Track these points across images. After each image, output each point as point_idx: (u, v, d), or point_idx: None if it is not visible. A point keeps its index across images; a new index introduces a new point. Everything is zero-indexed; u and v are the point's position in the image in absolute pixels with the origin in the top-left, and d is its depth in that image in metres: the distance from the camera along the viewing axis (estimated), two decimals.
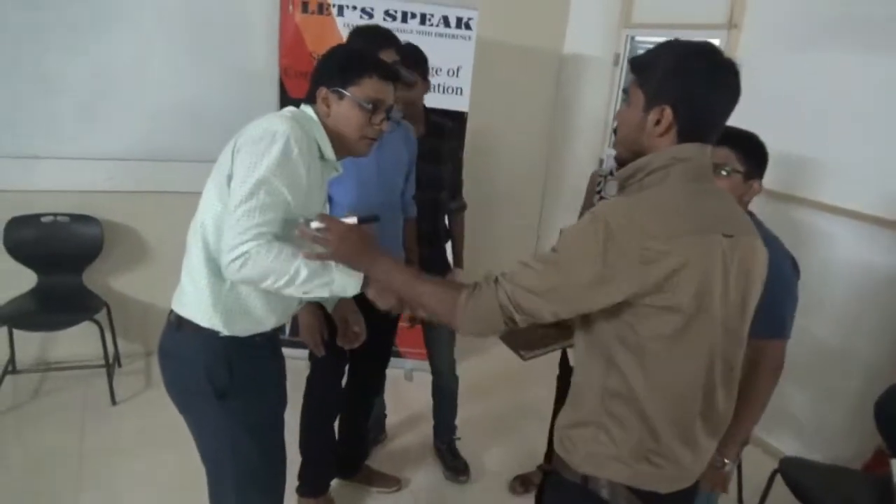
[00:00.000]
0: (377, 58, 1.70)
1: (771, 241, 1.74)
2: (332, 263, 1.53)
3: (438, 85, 3.39)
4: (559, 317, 1.20)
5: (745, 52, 3.20)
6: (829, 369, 2.99)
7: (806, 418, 3.11)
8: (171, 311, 1.68)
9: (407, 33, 3.30)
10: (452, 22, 3.36)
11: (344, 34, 3.17)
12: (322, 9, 3.29)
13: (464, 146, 3.02)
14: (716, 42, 3.24)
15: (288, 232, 1.55)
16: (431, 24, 3.35)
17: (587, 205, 2.62)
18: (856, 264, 2.87)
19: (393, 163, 2.33)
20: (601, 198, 2.52)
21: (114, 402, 3.20)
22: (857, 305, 2.88)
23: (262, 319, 1.68)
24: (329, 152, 1.66)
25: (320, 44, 3.24)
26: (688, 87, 1.18)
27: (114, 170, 3.33)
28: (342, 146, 1.69)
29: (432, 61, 2.93)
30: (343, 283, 1.53)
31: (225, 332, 1.62)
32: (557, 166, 4.50)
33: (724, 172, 1.71)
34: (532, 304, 1.19)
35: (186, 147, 3.38)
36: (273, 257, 1.47)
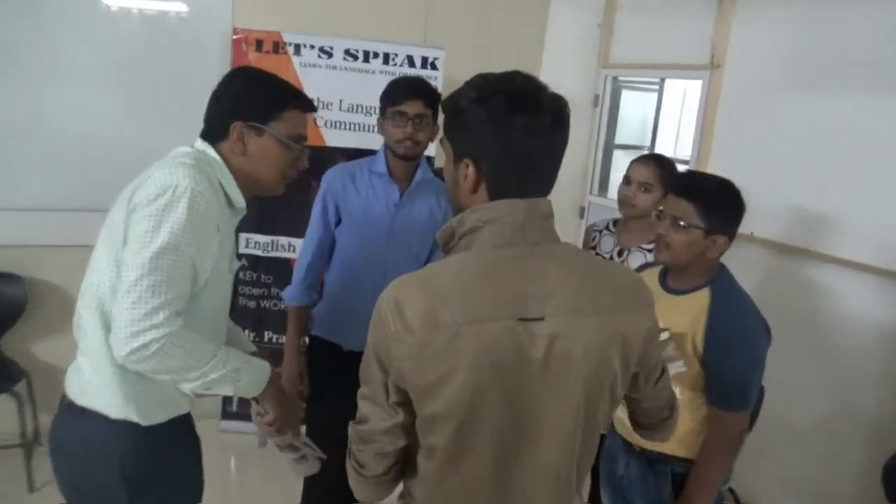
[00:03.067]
0: (293, 86, 1.68)
1: (738, 301, 1.76)
2: (242, 361, 1.52)
3: None
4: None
5: (730, 94, 3.31)
6: (833, 431, 2.99)
7: (809, 484, 3.09)
8: (66, 396, 1.58)
9: (369, 73, 3.37)
10: (417, 62, 3.41)
11: (301, 74, 3.32)
12: (277, 48, 3.33)
13: None
14: (697, 83, 3.40)
15: (193, 307, 1.50)
16: (395, 64, 3.40)
17: None
18: (856, 318, 2.88)
19: (415, 223, 2.28)
20: (596, 254, 2.51)
21: (31, 488, 3.07)
22: (861, 361, 2.88)
23: (183, 403, 1.64)
24: (238, 199, 1.61)
25: None
26: (484, 135, 1.13)
27: (40, 221, 3.26)
28: (253, 186, 1.65)
29: None
30: (248, 384, 1.55)
31: (142, 422, 1.55)
32: None
33: (681, 224, 1.74)
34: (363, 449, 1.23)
35: (95, 194, 2.96)
36: (185, 350, 1.41)
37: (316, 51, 3.35)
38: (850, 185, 2.87)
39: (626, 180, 2.39)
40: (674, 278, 1.86)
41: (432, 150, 3.22)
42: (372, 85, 3.26)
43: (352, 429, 1.26)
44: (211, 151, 1.59)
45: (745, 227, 2.88)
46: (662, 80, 4.50)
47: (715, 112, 3.42)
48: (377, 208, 2.23)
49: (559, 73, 4.21)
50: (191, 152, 1.56)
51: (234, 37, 3.32)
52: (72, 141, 3.28)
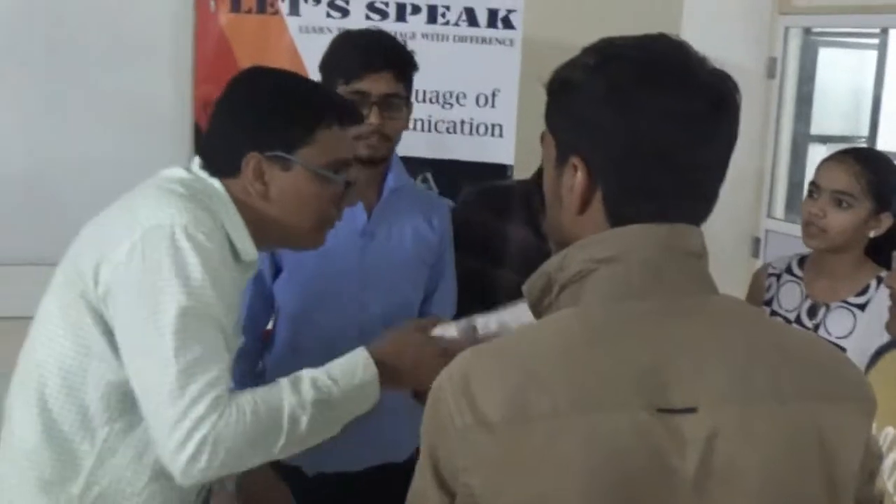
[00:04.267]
0: (325, 90, 1.70)
1: None
2: (331, 383, 1.55)
3: (463, 122, 3.18)
4: None
5: None
6: None
7: None
8: None
9: (407, 38, 3.05)
10: (482, 18, 3.17)
11: (300, 43, 3.11)
12: (263, 4, 3.07)
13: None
14: None
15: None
16: (447, 23, 3.17)
17: None
18: None
19: (396, 255, 2.19)
20: (773, 312, 2.41)
21: None
22: None
23: None
24: (248, 248, 1.55)
25: (263, 61, 2.87)
26: (601, 121, 1.07)
27: None
28: (279, 237, 1.64)
29: (451, 80, 3.15)
30: (359, 399, 1.60)
31: None
32: None
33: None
34: None
35: (29, 243, 3.04)
36: (250, 420, 1.41)
37: (323, 6, 3.10)
38: None
39: (813, 190, 2.27)
40: None
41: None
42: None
43: None
44: (215, 184, 1.56)
45: None
46: (885, 30, 4.26)
47: None
48: (335, 244, 2.02)
49: (712, 27, 3.94)
50: (183, 179, 1.53)
51: None
52: None
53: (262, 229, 1.60)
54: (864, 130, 4.95)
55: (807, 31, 3.99)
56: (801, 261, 2.43)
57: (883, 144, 4.72)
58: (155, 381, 1.41)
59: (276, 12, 3.12)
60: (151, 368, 1.41)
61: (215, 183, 1.56)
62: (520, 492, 1.05)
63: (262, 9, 3.12)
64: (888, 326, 1.77)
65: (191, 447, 1.38)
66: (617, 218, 1.11)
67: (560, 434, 1.04)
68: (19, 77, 3.18)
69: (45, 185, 3.21)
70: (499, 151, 3.21)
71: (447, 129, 3.22)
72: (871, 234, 2.05)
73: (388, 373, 1.63)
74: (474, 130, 3.23)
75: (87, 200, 3.08)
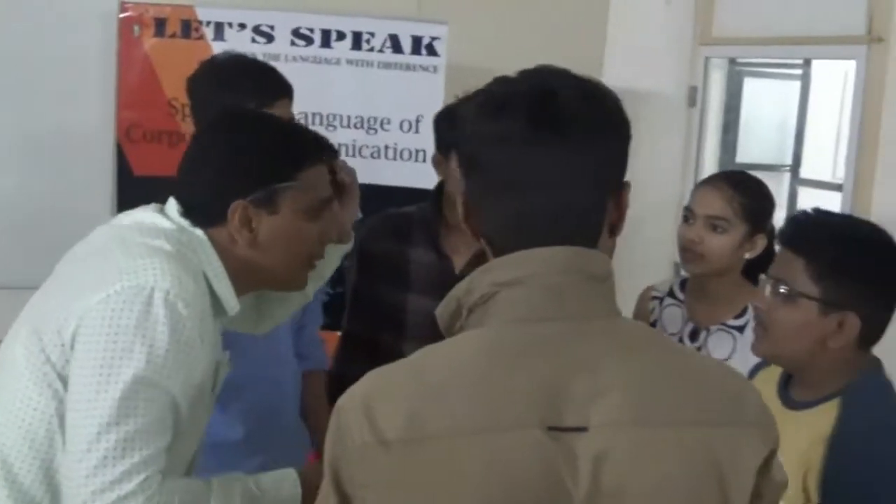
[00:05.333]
0: (307, 129, 1.70)
1: (885, 421, 1.66)
2: (250, 486, 1.54)
3: (387, 147, 3.24)
4: None
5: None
6: None
7: None
8: None
9: (332, 65, 3.22)
10: (406, 45, 3.25)
11: None
12: (188, 29, 3.10)
13: None
14: (849, 65, 3.32)
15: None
16: (372, 50, 3.23)
17: None
18: None
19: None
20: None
21: None
22: None
23: None
24: (231, 301, 1.54)
25: (185, 86, 3.01)
26: (470, 146, 1.13)
27: None
28: (264, 283, 1.63)
29: (375, 106, 3.23)
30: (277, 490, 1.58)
31: None
32: None
33: (782, 291, 1.69)
34: None
35: None
36: None
37: (248, 32, 3.14)
38: None
39: (688, 216, 2.27)
40: (798, 385, 1.77)
41: None
42: (336, 83, 3.21)
43: None
44: (198, 233, 1.53)
45: None
46: (808, 62, 4.29)
47: (879, 107, 3.19)
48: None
49: (631, 58, 4.01)
50: (167, 231, 1.50)
51: (122, 14, 3.09)
52: None
53: (247, 276, 1.59)
54: (788, 159, 5.04)
55: (732, 62, 4.05)
56: (683, 283, 2.44)
57: (806, 173, 4.86)
58: (88, 440, 1.37)
59: (201, 37, 3.13)
60: (90, 425, 1.37)
61: (199, 233, 1.54)
62: None
63: (186, 34, 3.14)
64: (753, 347, 1.81)
65: None
66: (501, 244, 1.14)
67: (456, 453, 1.05)
68: None
69: None
70: (423, 176, 3.04)
71: (371, 155, 3.24)
72: (747, 256, 2.08)
73: (312, 495, 1.58)
74: (398, 156, 3.27)
75: (7, 224, 3.15)
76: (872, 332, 1.68)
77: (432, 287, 2.29)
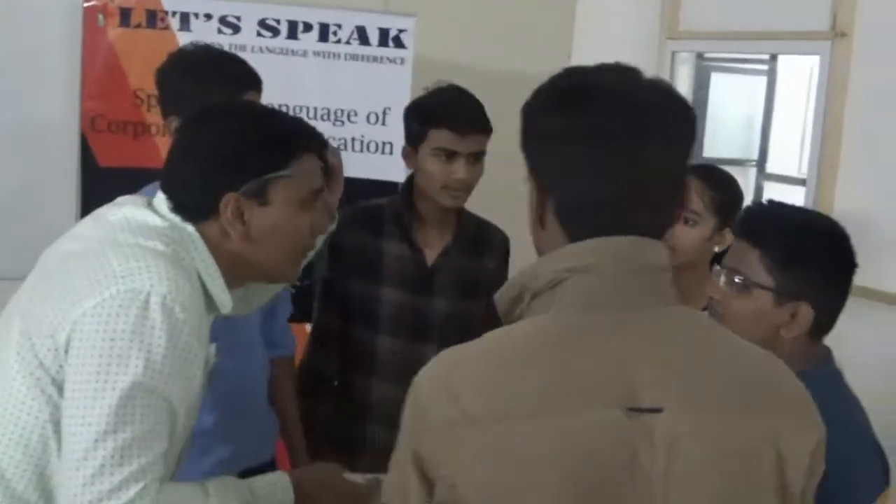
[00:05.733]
0: (297, 119, 1.69)
1: (832, 415, 1.56)
2: (245, 492, 1.55)
3: (354, 139, 3.25)
4: None
5: (863, 75, 3.21)
6: None
7: None
8: None
9: (298, 56, 3.21)
10: (373, 37, 3.26)
11: None
12: (154, 19, 3.08)
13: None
14: (813, 60, 3.41)
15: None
16: (339, 41, 3.24)
17: None
18: None
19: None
20: None
21: None
22: None
23: None
24: (224, 299, 1.55)
25: (153, 77, 2.84)
26: (539, 145, 1.16)
27: None
28: (256, 275, 1.64)
29: (342, 98, 3.23)
30: None
31: None
32: None
33: (737, 281, 1.71)
34: None
35: None
36: None
37: (214, 23, 3.12)
38: None
39: None
40: None
41: None
42: (303, 74, 3.20)
43: None
44: (188, 228, 1.53)
45: (893, 284, 2.98)
46: (774, 57, 4.39)
47: (842, 107, 3.25)
48: None
49: (598, 52, 4.02)
50: (160, 229, 1.50)
51: (86, 4, 3.05)
52: None
53: (239, 270, 1.60)
54: (755, 154, 5.10)
55: (699, 57, 4.12)
56: None
57: (772, 168, 4.96)
58: (85, 448, 1.38)
59: (167, 27, 3.12)
60: (86, 432, 1.38)
61: (191, 229, 1.55)
62: (497, 484, 1.09)
63: (152, 24, 3.12)
64: None
65: None
66: (575, 232, 1.17)
67: (539, 431, 1.09)
68: None
69: None
70: (390, 169, 3.21)
71: (338, 146, 3.11)
72: (717, 249, 2.10)
73: (302, 500, 1.66)
74: (365, 148, 3.29)
75: None
76: (824, 322, 1.71)
77: (405, 280, 2.41)
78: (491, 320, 1.47)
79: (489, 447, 1.09)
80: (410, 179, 2.38)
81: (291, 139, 1.60)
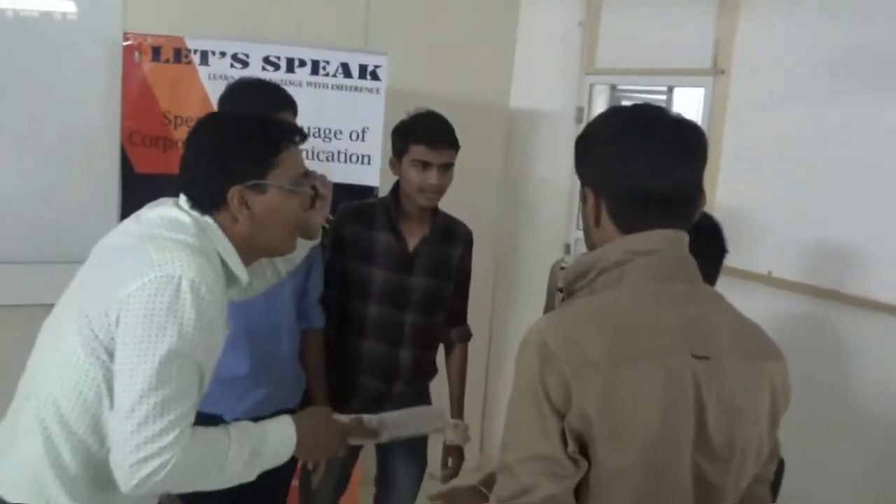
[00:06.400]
0: (275, 118, 1.76)
1: None
2: (257, 437, 1.61)
3: (339, 153, 3.51)
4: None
5: (738, 105, 3.39)
6: None
7: None
8: None
9: (294, 86, 3.39)
10: (354, 71, 3.51)
11: (210, 88, 3.30)
12: (179, 56, 3.31)
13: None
14: (699, 91, 3.60)
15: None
16: (327, 74, 3.49)
17: (549, 305, 2.69)
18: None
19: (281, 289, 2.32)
20: (563, 299, 2.30)
21: None
22: None
23: None
24: (242, 273, 1.63)
25: (178, 102, 3.30)
26: (606, 162, 1.28)
27: None
28: (262, 252, 1.71)
29: (330, 119, 3.36)
30: (272, 457, 1.65)
31: None
32: (508, 255, 4.55)
33: None
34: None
35: None
36: (199, 459, 1.48)
37: (227, 59, 3.35)
38: (893, 213, 2.87)
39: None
40: None
41: None
42: (298, 101, 2.88)
43: None
44: (207, 219, 1.61)
45: (761, 266, 3.09)
46: (670, 88, 4.56)
47: (721, 129, 3.44)
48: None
49: (532, 84, 4.34)
50: (187, 223, 1.57)
51: (125, 43, 3.25)
52: None
53: (251, 248, 1.66)
54: None
55: (612, 88, 4.29)
56: None
57: None
58: (132, 403, 1.43)
59: (190, 62, 3.34)
60: (133, 390, 1.44)
61: (209, 220, 1.61)
62: (617, 409, 1.18)
63: (178, 59, 3.34)
64: None
65: (147, 468, 1.43)
66: (626, 226, 1.28)
67: (646, 370, 1.19)
68: None
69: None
70: (367, 176, 3.54)
71: (327, 158, 3.52)
72: None
73: (302, 433, 1.74)
74: (348, 159, 3.55)
75: (34, 214, 3.35)
76: None
77: (391, 262, 2.65)
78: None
79: (608, 383, 1.17)
80: (397, 184, 2.62)
81: (278, 136, 1.68)
